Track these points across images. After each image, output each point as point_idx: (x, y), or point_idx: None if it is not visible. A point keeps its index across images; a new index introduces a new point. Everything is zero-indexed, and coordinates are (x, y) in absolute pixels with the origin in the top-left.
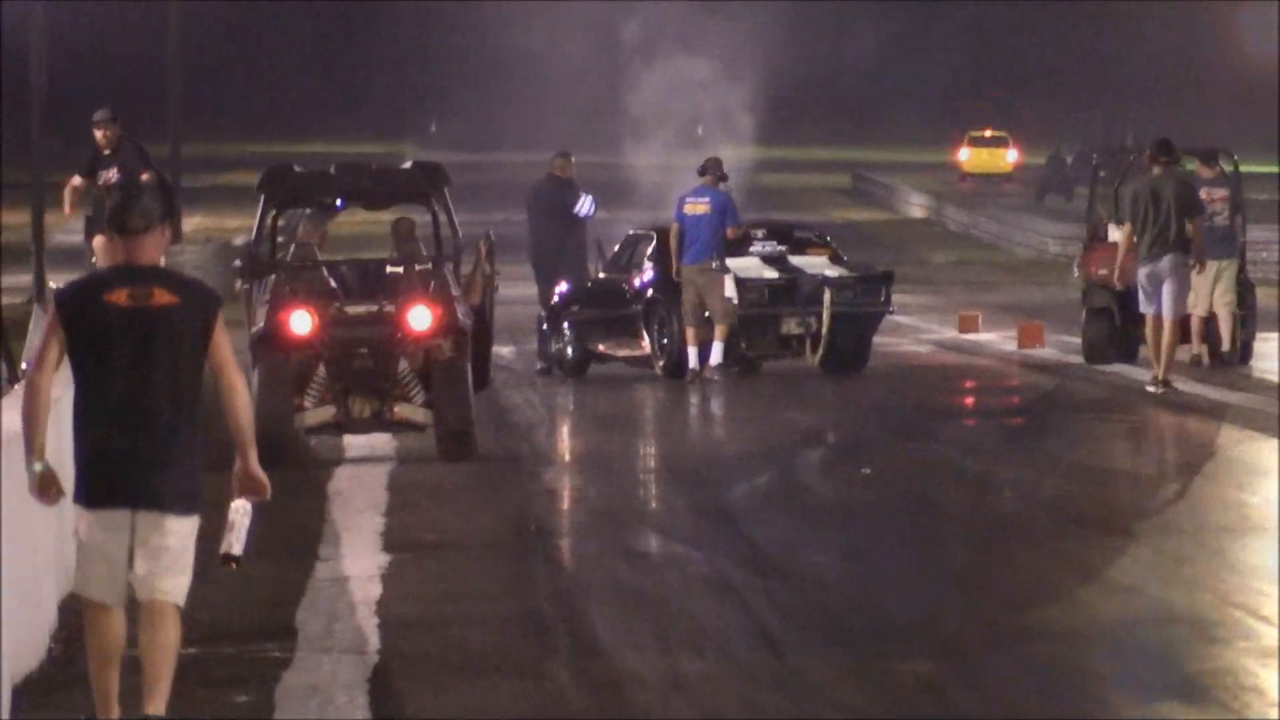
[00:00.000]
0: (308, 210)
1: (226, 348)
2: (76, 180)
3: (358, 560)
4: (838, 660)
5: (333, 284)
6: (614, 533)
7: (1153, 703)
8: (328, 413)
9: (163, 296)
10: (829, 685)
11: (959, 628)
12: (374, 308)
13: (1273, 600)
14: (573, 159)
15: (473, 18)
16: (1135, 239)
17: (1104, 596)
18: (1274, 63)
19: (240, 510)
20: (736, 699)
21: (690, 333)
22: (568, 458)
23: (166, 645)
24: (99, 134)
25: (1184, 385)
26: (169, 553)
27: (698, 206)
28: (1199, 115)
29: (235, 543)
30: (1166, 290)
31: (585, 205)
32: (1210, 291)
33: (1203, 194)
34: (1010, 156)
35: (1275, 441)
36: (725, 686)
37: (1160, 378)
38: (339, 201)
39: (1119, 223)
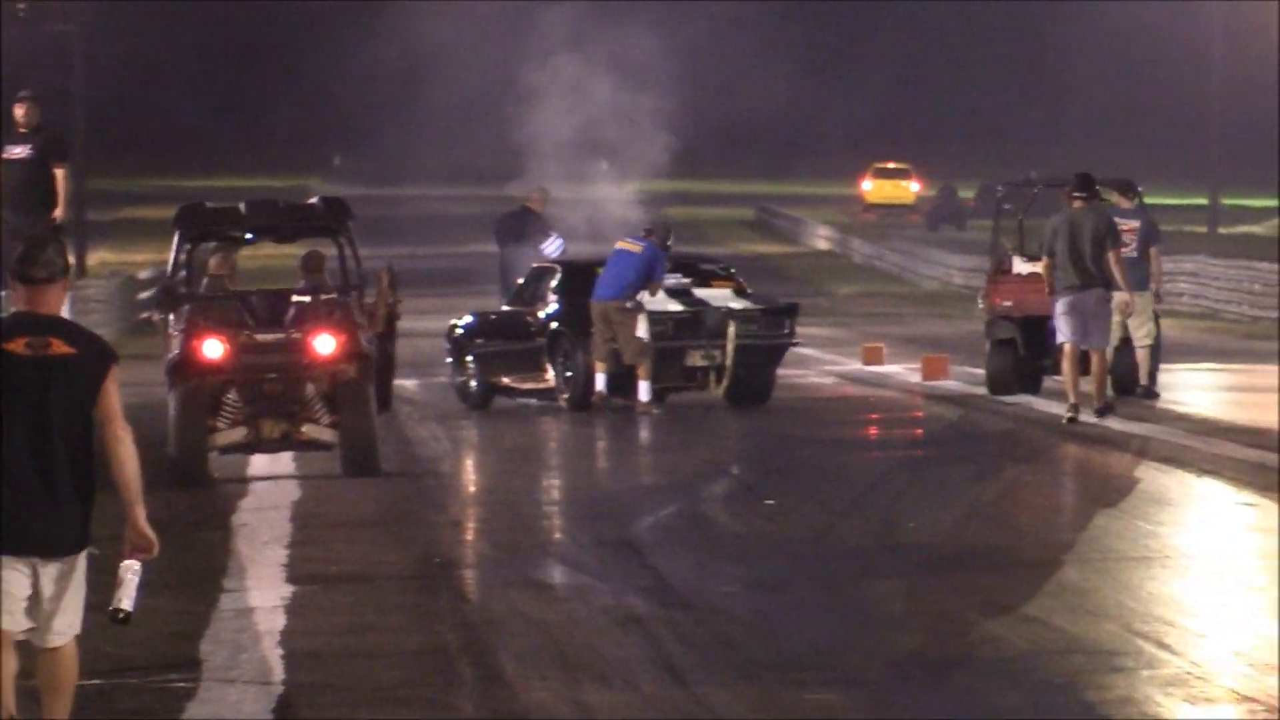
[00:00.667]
0: (214, 244)
1: (115, 402)
2: None
3: (263, 592)
4: (743, 691)
5: (243, 313)
6: (519, 565)
7: None
8: (239, 434)
9: (60, 347)
10: (734, 716)
11: (864, 659)
12: (282, 335)
13: (1175, 629)
14: (549, 194)
15: (380, 55)
16: (1054, 272)
17: (1008, 627)
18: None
19: (129, 569)
20: None
21: (599, 364)
22: (473, 490)
23: (66, 685)
24: (19, 110)
25: (1090, 417)
26: (64, 596)
27: (631, 245)
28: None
29: (125, 599)
30: (1092, 324)
31: (552, 245)
32: (1122, 323)
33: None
34: (914, 188)
35: (1178, 472)
36: (630, 717)
37: (1076, 404)
38: (249, 236)
39: (1037, 256)
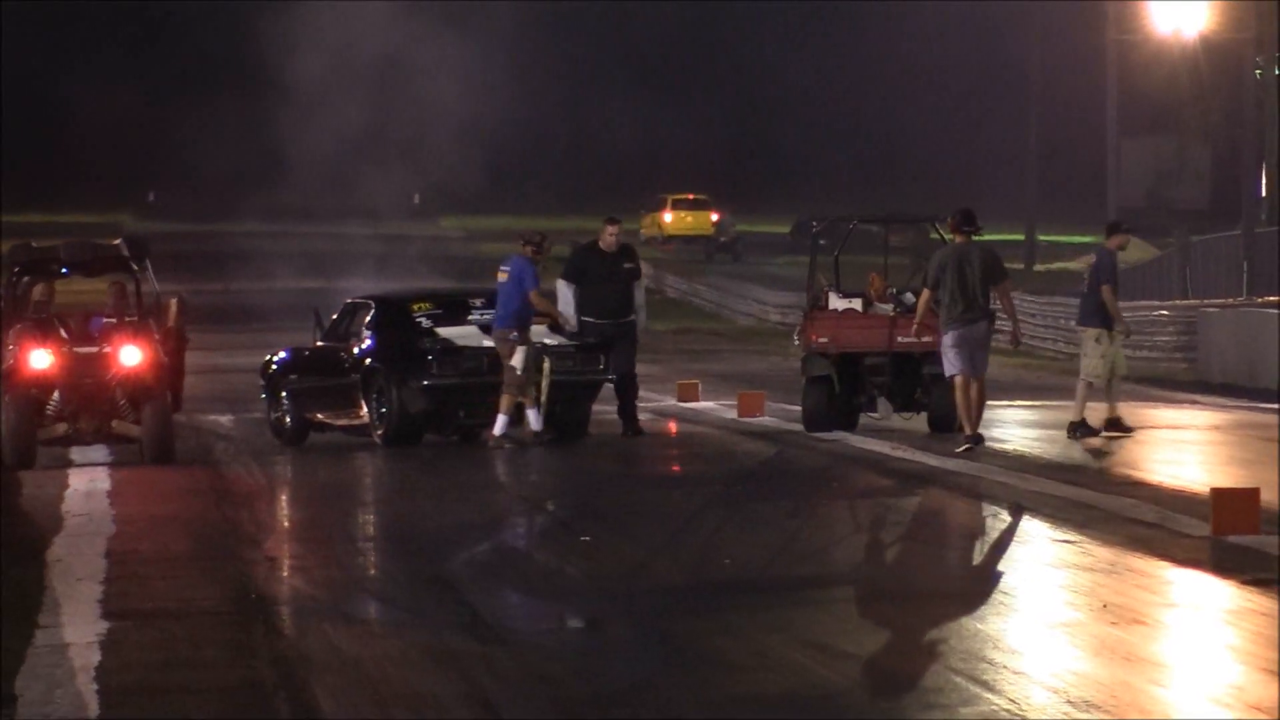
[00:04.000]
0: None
1: None
2: None
3: (77, 628)
4: None
5: (63, 332)
6: (335, 601)
7: None
8: (61, 428)
9: None
10: None
11: (679, 695)
12: (95, 349)
13: (993, 666)
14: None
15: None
16: (938, 305)
17: (824, 664)
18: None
19: None
20: None
21: (504, 399)
22: (288, 526)
23: None
24: None
25: (910, 453)
26: None
27: (501, 274)
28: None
29: None
30: (978, 355)
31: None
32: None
33: None
34: (714, 219)
35: (996, 509)
36: None
37: (970, 432)
38: (64, 270)
39: (854, 293)
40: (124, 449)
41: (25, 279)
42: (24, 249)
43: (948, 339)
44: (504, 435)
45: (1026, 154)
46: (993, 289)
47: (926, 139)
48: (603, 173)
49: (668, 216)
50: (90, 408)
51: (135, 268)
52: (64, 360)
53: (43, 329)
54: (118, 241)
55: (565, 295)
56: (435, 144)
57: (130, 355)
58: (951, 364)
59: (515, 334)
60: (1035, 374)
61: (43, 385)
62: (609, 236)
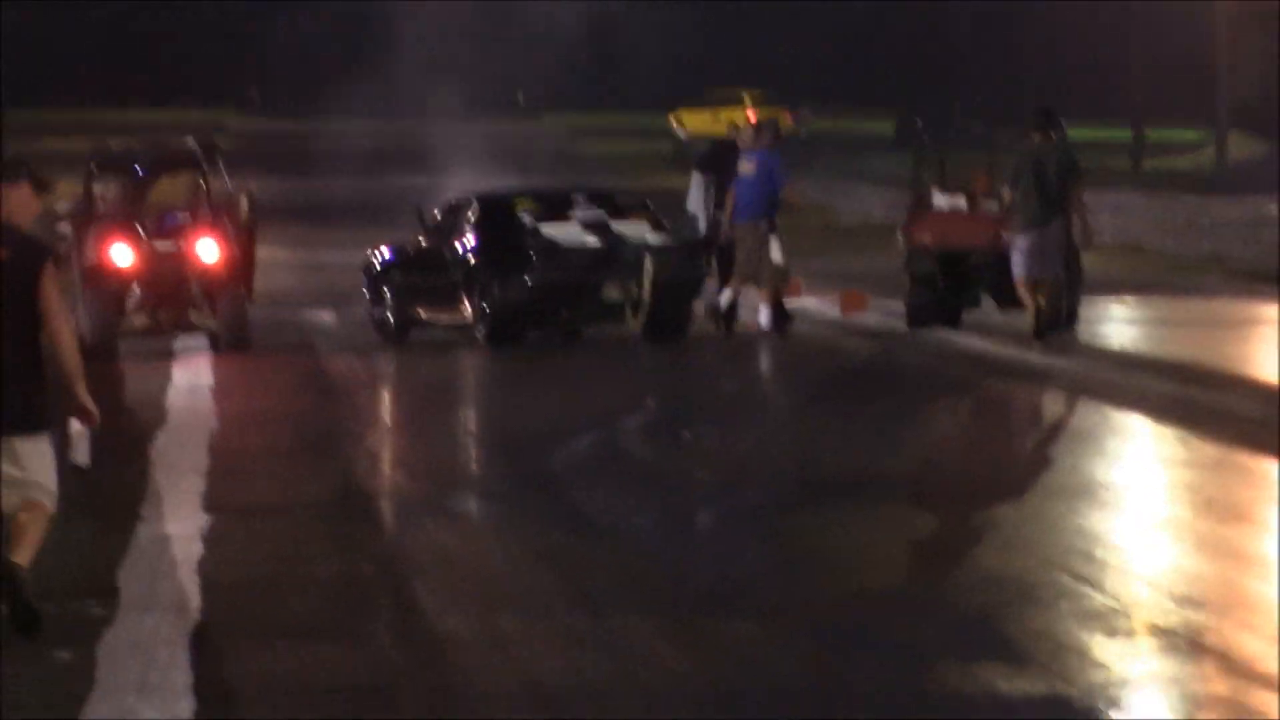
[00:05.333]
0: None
1: (52, 297)
2: None
3: (180, 522)
4: (659, 622)
5: (141, 228)
6: (436, 496)
7: (974, 665)
8: (141, 320)
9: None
10: (649, 647)
11: (780, 591)
12: (172, 244)
13: (1095, 563)
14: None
15: None
16: (1017, 206)
17: (925, 560)
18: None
19: (80, 432)
20: (558, 660)
21: (735, 285)
22: (389, 423)
23: (34, 537)
24: None
25: (1014, 350)
26: (30, 468)
27: (745, 168)
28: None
29: (79, 455)
30: (1048, 252)
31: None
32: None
33: None
34: (791, 115)
35: (1100, 405)
36: (546, 648)
37: (1041, 329)
38: (140, 170)
39: (958, 189)
40: (235, 391)
41: (105, 178)
42: (102, 149)
43: (1020, 240)
44: (772, 327)
45: (1132, 49)
46: (1071, 188)
47: (1032, 35)
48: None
49: (751, 115)
50: (168, 300)
51: (206, 166)
52: (143, 255)
53: (122, 226)
54: (189, 141)
55: (697, 185)
56: (539, 40)
57: (205, 250)
58: (1018, 265)
59: (765, 225)
60: (1143, 271)
61: (123, 279)
62: (747, 135)
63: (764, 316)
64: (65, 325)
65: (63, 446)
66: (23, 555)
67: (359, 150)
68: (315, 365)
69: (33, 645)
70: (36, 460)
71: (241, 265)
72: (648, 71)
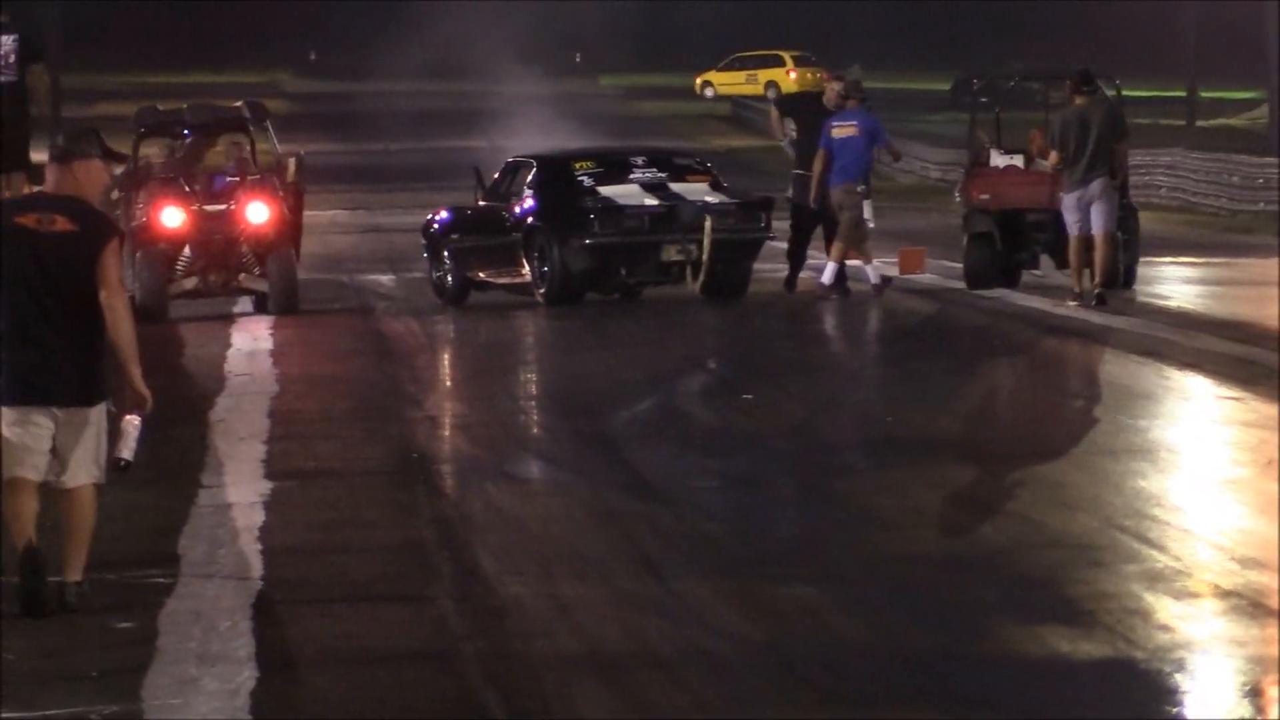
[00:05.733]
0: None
1: (112, 273)
2: None
3: (240, 488)
4: (719, 586)
5: (191, 190)
6: (496, 460)
7: (1036, 627)
8: (191, 283)
9: (63, 224)
10: (710, 610)
11: (841, 554)
12: (223, 207)
13: (1157, 524)
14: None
15: None
16: (1064, 165)
17: (986, 522)
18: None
19: (129, 423)
20: (618, 624)
21: (839, 253)
22: (449, 385)
23: (86, 521)
24: None
25: (1068, 310)
26: (81, 443)
27: (845, 129)
28: (1087, 44)
29: (125, 450)
30: (1097, 209)
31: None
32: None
33: None
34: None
35: (1159, 366)
36: (607, 612)
37: (1094, 289)
38: (186, 132)
39: (1014, 149)
40: (293, 357)
41: (152, 139)
42: (150, 111)
43: (1067, 199)
44: (832, 285)
45: (1188, 6)
46: (1116, 145)
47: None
48: (755, 29)
49: (792, 75)
50: (218, 263)
51: (254, 129)
52: (193, 218)
53: (172, 187)
54: (238, 104)
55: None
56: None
57: (255, 212)
58: (1070, 224)
59: (863, 187)
60: (1197, 230)
61: (173, 241)
62: (831, 93)
63: (829, 273)
64: (124, 305)
65: (113, 436)
66: (75, 568)
67: (416, 111)
68: (374, 328)
69: (94, 615)
70: (89, 431)
71: (291, 227)
72: (704, 32)
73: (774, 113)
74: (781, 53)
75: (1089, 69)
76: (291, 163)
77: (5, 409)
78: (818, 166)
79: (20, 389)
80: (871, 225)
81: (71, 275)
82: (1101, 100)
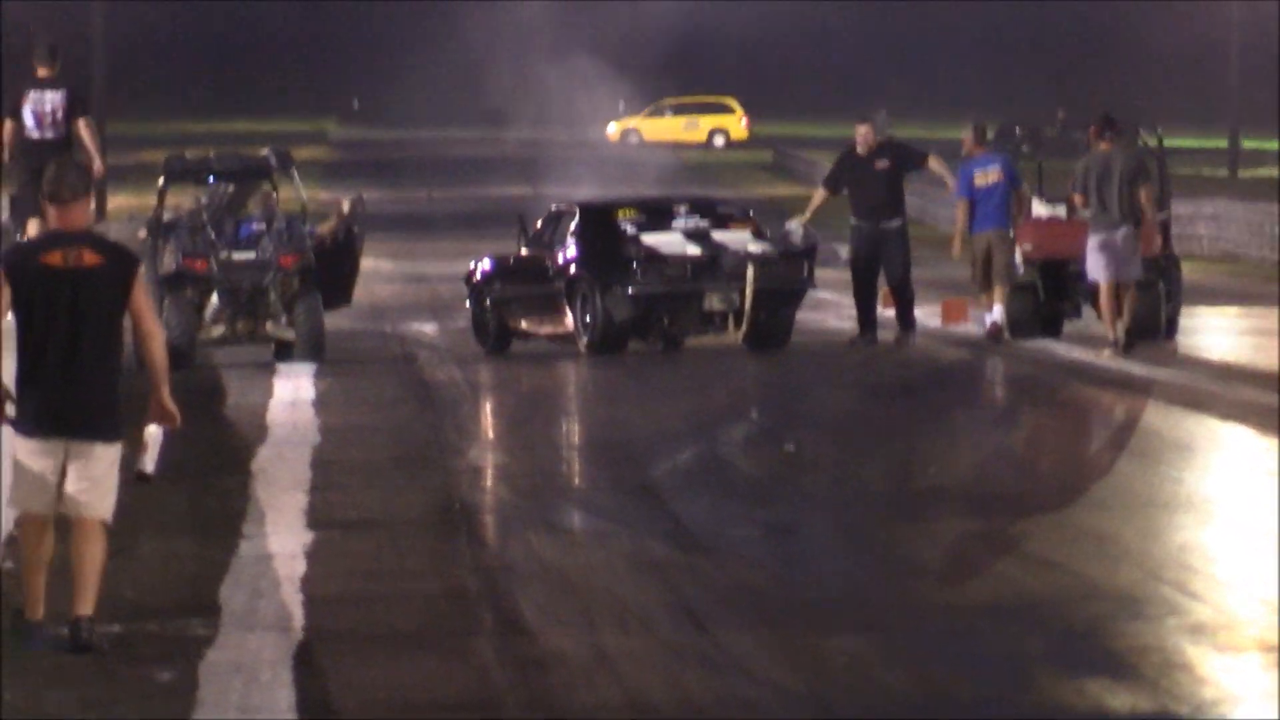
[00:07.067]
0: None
1: (143, 300)
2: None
3: (282, 538)
4: (763, 637)
5: (219, 237)
6: (538, 510)
7: (1079, 679)
8: (219, 331)
9: (90, 257)
10: (754, 662)
11: (884, 604)
12: (252, 255)
13: (1201, 576)
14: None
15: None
16: (1088, 211)
17: (1030, 573)
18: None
19: (153, 435)
20: (661, 676)
21: (986, 295)
22: (491, 435)
23: (95, 556)
24: (43, 70)
25: (1110, 361)
26: (96, 475)
27: (989, 175)
28: (1129, 92)
29: (149, 462)
30: (1122, 257)
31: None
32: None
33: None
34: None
35: (1202, 417)
36: (650, 663)
37: (1119, 338)
38: (211, 179)
39: (1057, 199)
40: (336, 406)
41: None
42: (177, 159)
43: (1091, 244)
44: (997, 329)
45: (1229, 56)
46: (1138, 192)
47: (1133, 42)
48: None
49: (743, 122)
50: (246, 310)
51: (279, 175)
52: (223, 265)
53: (202, 235)
54: (265, 152)
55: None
56: (639, 50)
57: (282, 260)
58: (1093, 269)
59: (1013, 231)
60: (1239, 280)
61: (202, 288)
62: (860, 138)
63: (998, 312)
64: (157, 328)
65: (133, 452)
66: (86, 602)
67: (460, 159)
68: (417, 376)
69: (134, 666)
70: (104, 470)
71: (332, 273)
72: (742, 77)
73: (820, 194)
74: (728, 99)
75: (1110, 113)
76: (346, 203)
77: (20, 440)
78: (961, 216)
79: (39, 421)
80: (1022, 269)
81: (101, 307)
82: (1126, 146)
